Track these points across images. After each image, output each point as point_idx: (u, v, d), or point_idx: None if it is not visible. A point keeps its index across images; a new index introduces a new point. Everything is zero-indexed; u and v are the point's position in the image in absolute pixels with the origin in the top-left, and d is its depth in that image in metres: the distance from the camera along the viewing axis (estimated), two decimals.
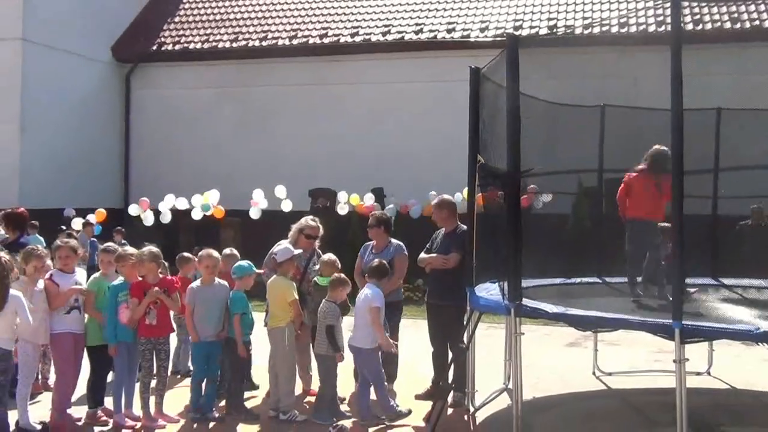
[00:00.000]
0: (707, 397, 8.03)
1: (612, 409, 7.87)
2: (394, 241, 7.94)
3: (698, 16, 17.84)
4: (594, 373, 9.08)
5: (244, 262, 7.35)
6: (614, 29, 18.10)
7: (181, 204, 16.97)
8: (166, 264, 7.91)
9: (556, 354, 10.27)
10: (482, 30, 19.30)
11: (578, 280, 8.85)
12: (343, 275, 7.20)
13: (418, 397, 7.73)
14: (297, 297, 7.14)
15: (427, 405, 7.33)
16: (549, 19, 19.25)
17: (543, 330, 10.97)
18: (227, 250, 8.14)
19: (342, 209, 16.70)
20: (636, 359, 9.54)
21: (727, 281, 9.21)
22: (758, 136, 9.47)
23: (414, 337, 8.69)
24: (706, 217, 9.70)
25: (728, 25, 17.67)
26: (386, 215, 8.20)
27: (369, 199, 16.49)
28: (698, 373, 8.88)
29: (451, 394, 7.44)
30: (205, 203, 16.79)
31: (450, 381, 7.29)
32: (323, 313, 7.02)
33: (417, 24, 20.07)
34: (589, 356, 9.27)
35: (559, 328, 10.47)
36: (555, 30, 18.49)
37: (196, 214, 16.83)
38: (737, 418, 7.57)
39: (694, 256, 8.57)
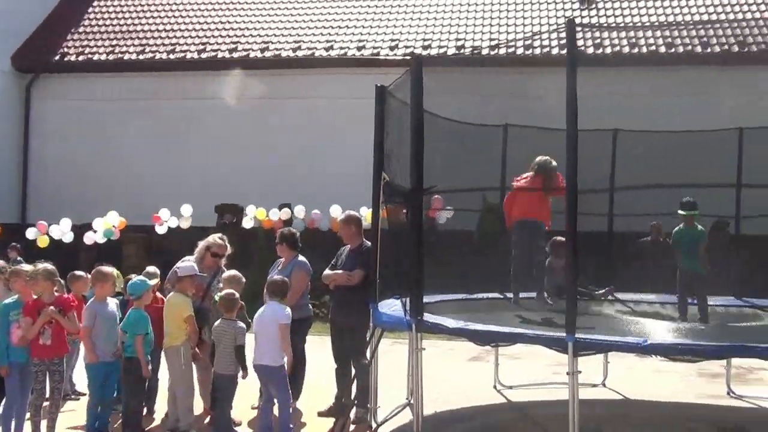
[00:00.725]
0: (601, 408, 8.28)
1: (511, 422, 8.04)
2: (299, 257, 7.90)
3: (599, 41, 18.50)
4: (495, 387, 9.25)
5: (137, 279, 7.18)
6: (519, 51, 18.58)
7: (78, 221, 16.42)
8: (63, 282, 7.66)
9: (459, 368, 10.42)
10: (392, 48, 19.54)
11: (481, 295, 9.03)
12: (230, 292, 7.04)
13: (320, 414, 7.71)
14: (192, 313, 7.01)
15: (329, 422, 7.32)
16: (457, 40, 19.64)
17: (447, 345, 11.10)
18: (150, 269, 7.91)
19: (248, 224, 16.57)
20: (536, 372, 9.75)
21: (621, 296, 9.55)
22: (654, 155, 9.88)
23: (319, 354, 8.67)
24: (603, 234, 10.05)
25: (627, 49, 18.39)
26: (290, 231, 8.13)
27: (275, 215, 16.41)
28: (594, 385, 9.18)
29: (354, 410, 7.44)
30: (108, 229, 16.33)
31: (353, 397, 7.31)
32: (232, 333, 6.83)
33: (327, 41, 20.16)
34: (491, 370, 9.43)
35: (463, 342, 10.52)
36: (462, 50, 18.87)
37: (99, 238, 16.36)
38: (629, 428, 7.84)
39: (590, 271, 8.91)
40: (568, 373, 5.63)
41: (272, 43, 20.36)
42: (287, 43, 20.29)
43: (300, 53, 19.88)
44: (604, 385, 9.38)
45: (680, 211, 8.51)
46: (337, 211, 15.42)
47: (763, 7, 19.45)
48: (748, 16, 19.22)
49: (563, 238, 7.18)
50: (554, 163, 8.20)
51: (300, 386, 7.72)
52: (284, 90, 19.49)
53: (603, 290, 7.73)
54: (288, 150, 19.04)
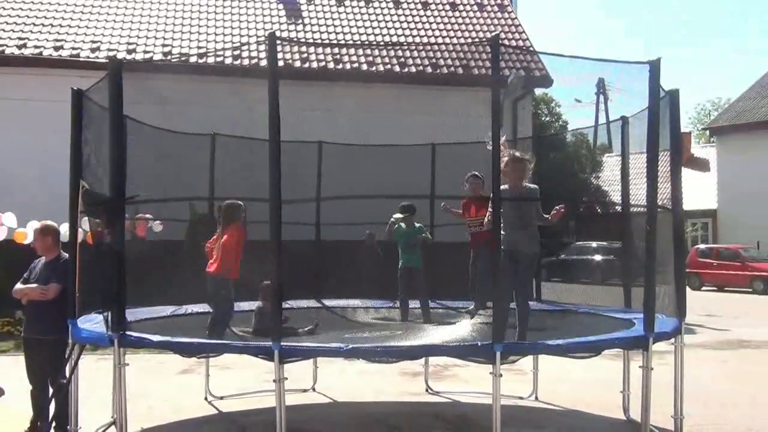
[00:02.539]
0: (309, 411, 8.54)
1: None
2: None
3: (305, 55, 19.05)
4: (206, 398, 9.15)
5: None
6: (228, 60, 18.57)
7: None
8: None
9: (168, 382, 10.18)
10: (93, 50, 18.57)
11: (190, 308, 8.90)
12: None
13: None
14: None
15: None
16: (164, 46, 19.17)
17: (157, 358, 10.78)
18: None
19: None
20: (247, 381, 9.76)
21: (332, 302, 9.92)
22: (358, 167, 10.38)
23: (12, 375, 8.00)
24: (309, 243, 10.34)
25: (332, 65, 19.13)
26: None
27: None
28: (304, 390, 9.43)
29: None
30: None
31: (50, 420, 6.83)
32: None
33: (20, 38, 18.65)
34: (202, 382, 9.32)
35: (174, 356, 10.35)
36: (169, 56, 18.45)
37: None
38: (336, 429, 8.15)
39: (298, 280, 9.11)
40: (274, 381, 5.74)
41: None
42: None
43: None
44: (314, 389, 9.66)
45: (396, 215, 9.23)
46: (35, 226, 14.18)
47: (452, 33, 21.27)
48: (440, 40, 20.94)
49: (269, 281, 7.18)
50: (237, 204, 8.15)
51: None
52: None
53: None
54: None
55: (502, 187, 6.99)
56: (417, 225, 9.70)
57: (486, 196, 8.02)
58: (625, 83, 7.80)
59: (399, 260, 9.61)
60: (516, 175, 7.34)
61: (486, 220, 7.53)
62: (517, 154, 7.51)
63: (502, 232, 6.63)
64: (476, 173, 9.11)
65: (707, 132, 46.76)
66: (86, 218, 7.42)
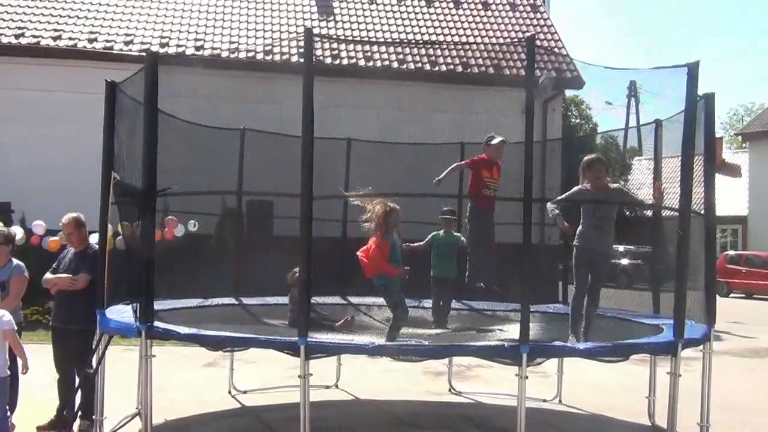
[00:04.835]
0: (333, 408, 8.54)
1: (243, 427, 8.03)
2: (14, 260, 7.32)
3: (336, 52, 19.06)
4: (230, 392, 9.19)
5: None
6: (259, 56, 18.65)
7: None
8: None
9: (193, 375, 10.24)
10: (127, 43, 18.72)
11: (215, 301, 8.95)
12: None
13: (40, 428, 7.19)
14: None
15: None
16: (196, 40, 19.27)
17: (182, 351, 10.86)
18: None
19: None
20: (271, 376, 9.79)
21: (357, 300, 9.90)
22: (387, 165, 10.35)
23: (40, 363, 8.07)
24: (336, 240, 10.32)
25: (362, 62, 19.12)
26: (10, 232, 7.51)
27: None
28: (327, 387, 9.44)
29: (77, 422, 7.04)
30: None
31: (76, 409, 6.91)
32: None
33: (55, 30, 18.85)
34: (227, 375, 9.36)
35: (198, 348, 10.41)
36: (201, 51, 18.55)
37: None
38: (358, 427, 8.15)
39: (325, 277, 9.11)
40: (299, 376, 5.74)
41: None
42: (8, 29, 18.69)
43: (23, 41, 18.39)
44: (336, 386, 9.67)
45: (442, 217, 8.98)
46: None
47: (483, 33, 21.18)
48: (471, 40, 20.87)
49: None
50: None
51: (15, 399, 7.14)
52: (4, 80, 17.93)
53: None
54: (8, 145, 17.53)
55: (583, 186, 6.99)
56: (455, 234, 9.02)
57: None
58: (658, 86, 7.67)
59: (432, 269, 8.98)
60: (599, 174, 7.25)
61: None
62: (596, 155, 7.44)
63: (579, 228, 6.91)
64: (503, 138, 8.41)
65: (739, 137, 46.18)
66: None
